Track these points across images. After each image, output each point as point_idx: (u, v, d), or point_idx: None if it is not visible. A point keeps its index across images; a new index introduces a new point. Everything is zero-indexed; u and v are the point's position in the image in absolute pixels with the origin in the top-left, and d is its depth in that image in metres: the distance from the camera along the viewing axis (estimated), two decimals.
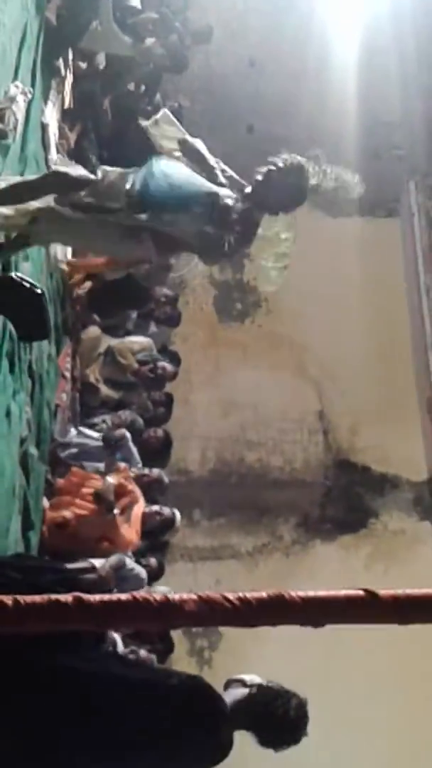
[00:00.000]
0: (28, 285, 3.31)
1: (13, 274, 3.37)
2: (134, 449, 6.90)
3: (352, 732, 8.00)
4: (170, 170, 4.22)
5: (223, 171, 4.31)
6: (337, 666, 8.13)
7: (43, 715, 2.77)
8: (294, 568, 9.34)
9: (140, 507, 6.34)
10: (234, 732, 2.93)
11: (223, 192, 4.15)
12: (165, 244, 4.12)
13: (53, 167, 4.11)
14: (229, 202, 4.13)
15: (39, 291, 3.36)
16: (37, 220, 3.89)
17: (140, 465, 7.03)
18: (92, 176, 4.11)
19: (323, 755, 6.85)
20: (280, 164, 4.20)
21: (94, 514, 5.86)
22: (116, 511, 5.91)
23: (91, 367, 7.35)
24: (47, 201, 4.09)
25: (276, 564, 9.45)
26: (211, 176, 4.27)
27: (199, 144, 4.42)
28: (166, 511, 6.87)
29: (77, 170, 4.23)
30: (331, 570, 9.13)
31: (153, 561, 6.92)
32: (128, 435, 6.74)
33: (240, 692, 2.99)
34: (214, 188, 4.16)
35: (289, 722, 2.96)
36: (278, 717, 2.95)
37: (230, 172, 4.36)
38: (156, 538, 7.01)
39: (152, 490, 7.15)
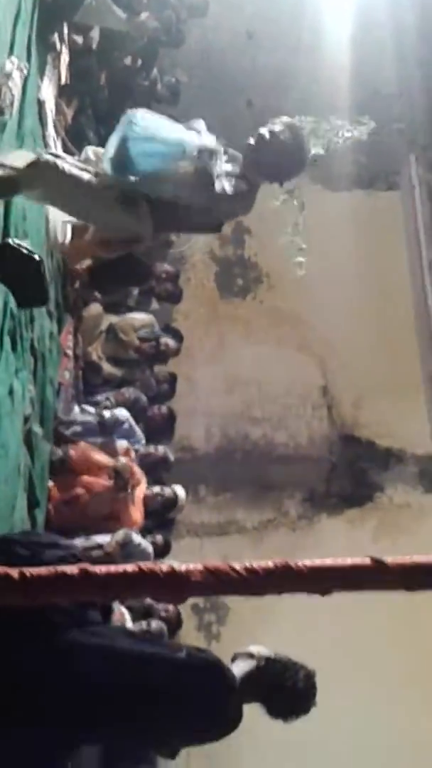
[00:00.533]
0: (25, 251, 3.29)
1: (10, 240, 3.35)
2: (137, 428, 6.91)
3: (359, 703, 8.05)
4: (147, 123, 4.11)
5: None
6: (345, 639, 8.17)
7: (50, 690, 2.78)
8: (300, 543, 9.37)
9: (142, 489, 6.38)
10: (243, 704, 2.94)
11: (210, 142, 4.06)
12: (162, 218, 4.05)
13: (43, 156, 3.93)
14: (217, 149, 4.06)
15: (36, 257, 3.34)
16: (35, 165, 3.80)
17: (144, 442, 7.04)
18: (84, 174, 3.95)
19: (331, 726, 6.91)
20: (275, 128, 4.13)
21: (106, 491, 5.88)
22: (130, 490, 5.95)
23: (93, 344, 7.34)
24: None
25: (282, 539, 9.48)
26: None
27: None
28: (167, 491, 6.89)
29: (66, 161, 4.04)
30: (337, 544, 9.16)
31: (159, 538, 6.95)
32: (126, 415, 6.75)
33: (248, 664, 3.00)
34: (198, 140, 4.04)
35: (299, 693, 2.98)
36: (287, 688, 2.97)
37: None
38: (160, 517, 7.04)
39: (158, 468, 7.17)
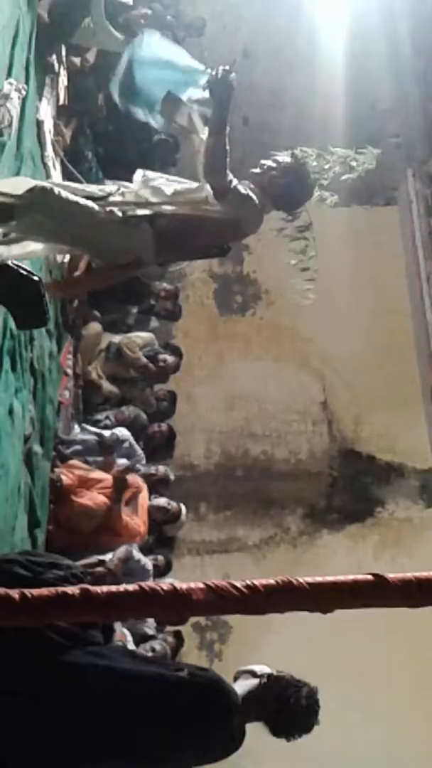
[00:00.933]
0: (24, 272, 3.29)
1: (9, 262, 3.35)
2: (137, 446, 6.91)
3: (363, 720, 8.01)
4: (154, 46, 4.01)
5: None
6: (347, 656, 8.14)
7: (51, 712, 2.77)
8: (302, 559, 9.35)
9: (144, 497, 6.36)
10: (246, 723, 2.93)
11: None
12: (166, 241, 3.89)
13: (39, 185, 3.74)
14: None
15: (36, 278, 3.33)
16: (32, 191, 3.67)
17: (144, 461, 7.04)
18: (81, 199, 3.83)
19: (335, 743, 6.87)
20: (281, 161, 4.12)
21: (99, 507, 5.86)
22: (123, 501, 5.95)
23: (93, 363, 7.35)
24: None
25: (283, 555, 9.46)
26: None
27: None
28: (174, 505, 6.90)
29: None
30: (339, 560, 9.14)
31: (161, 558, 6.96)
32: (127, 434, 6.74)
33: (250, 683, 2.99)
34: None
35: (301, 711, 2.97)
36: (290, 706, 2.96)
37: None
38: (158, 530, 7.04)
39: (159, 487, 7.18)
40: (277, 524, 9.67)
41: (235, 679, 3.03)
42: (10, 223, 3.67)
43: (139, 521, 6.13)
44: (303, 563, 9.18)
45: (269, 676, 3.00)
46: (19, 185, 3.72)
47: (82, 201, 3.75)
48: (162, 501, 6.89)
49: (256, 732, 3.01)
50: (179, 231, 3.92)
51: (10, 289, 3.34)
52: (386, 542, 9.51)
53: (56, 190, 3.71)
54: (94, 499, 5.85)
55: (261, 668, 3.04)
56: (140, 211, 3.85)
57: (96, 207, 3.76)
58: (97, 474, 6.07)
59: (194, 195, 3.98)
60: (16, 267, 3.33)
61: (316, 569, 9.30)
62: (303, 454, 10.01)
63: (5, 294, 3.43)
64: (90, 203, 3.77)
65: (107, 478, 6.00)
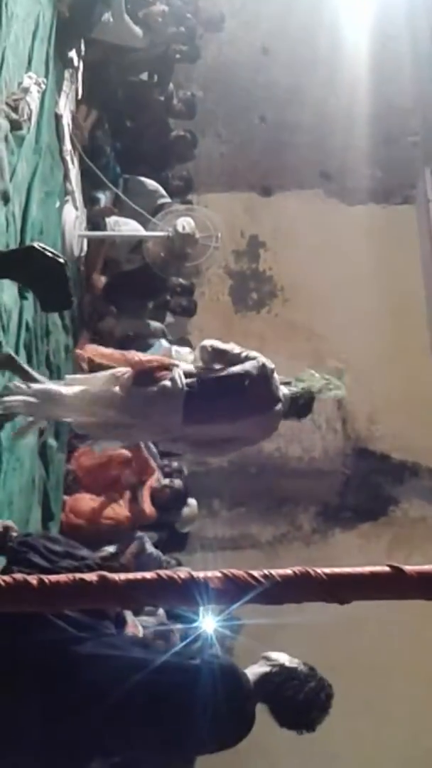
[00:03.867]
0: (50, 254, 3.29)
1: (35, 244, 3.36)
2: (152, 445, 6.92)
3: (376, 719, 7.99)
4: None
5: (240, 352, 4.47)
6: (360, 653, 8.12)
7: (64, 702, 2.78)
8: (314, 557, 9.32)
9: (152, 481, 6.37)
10: (256, 707, 2.95)
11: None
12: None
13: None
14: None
15: (62, 260, 3.34)
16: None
17: (158, 458, 7.05)
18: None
19: (347, 740, 6.88)
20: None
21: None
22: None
23: None
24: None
25: (296, 553, 9.44)
26: (236, 359, 4.46)
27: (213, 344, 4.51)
28: (177, 482, 6.90)
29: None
30: (351, 558, 9.11)
31: (173, 562, 6.98)
32: None
33: (262, 670, 3.01)
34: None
35: (298, 705, 2.96)
36: (286, 699, 2.96)
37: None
38: (169, 512, 7.02)
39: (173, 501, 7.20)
40: (290, 522, 9.65)
41: (261, 659, 3.05)
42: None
43: (146, 505, 6.15)
44: (315, 561, 9.01)
45: (280, 665, 3.01)
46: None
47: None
48: (165, 480, 6.89)
49: (272, 731, 3.01)
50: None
51: (36, 270, 3.35)
52: (399, 541, 9.48)
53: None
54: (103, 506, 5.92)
55: (277, 656, 3.05)
56: None
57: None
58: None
59: None
60: (41, 248, 3.34)
61: (329, 567, 9.25)
62: (317, 452, 9.99)
63: (31, 275, 3.44)
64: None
65: None
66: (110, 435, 4.79)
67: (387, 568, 1.57)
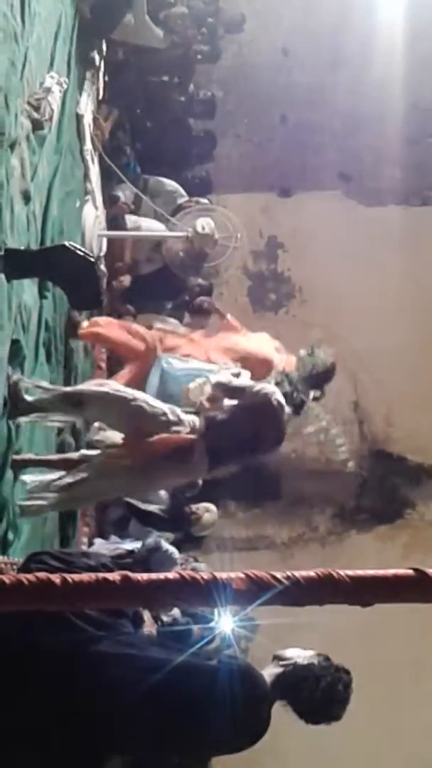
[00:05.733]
0: (81, 253, 3.31)
1: (66, 243, 3.39)
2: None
3: (391, 720, 7.98)
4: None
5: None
6: (374, 656, 8.10)
7: (81, 701, 2.79)
8: (330, 559, 9.30)
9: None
10: (272, 707, 2.94)
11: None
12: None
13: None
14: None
15: (92, 259, 3.37)
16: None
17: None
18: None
19: (363, 739, 6.86)
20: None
21: None
22: None
23: None
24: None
25: (312, 554, 9.43)
26: (249, 394, 4.45)
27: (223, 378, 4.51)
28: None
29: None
30: (367, 560, 9.08)
31: (191, 560, 6.99)
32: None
33: (277, 670, 3.00)
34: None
35: (317, 703, 2.96)
36: (303, 699, 2.96)
37: None
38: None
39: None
40: (306, 523, 9.65)
41: (273, 659, 3.04)
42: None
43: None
44: (331, 563, 8.95)
45: (293, 665, 3.00)
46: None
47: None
48: None
49: (283, 731, 3.01)
50: None
51: (67, 268, 3.38)
52: (416, 544, 9.45)
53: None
54: None
55: (291, 653, 3.04)
56: None
57: None
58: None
59: None
60: (72, 247, 3.37)
61: (345, 569, 9.23)
62: (333, 453, 9.98)
63: (61, 273, 3.47)
64: None
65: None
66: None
67: (411, 571, 1.57)
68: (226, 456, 4.39)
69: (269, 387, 4.47)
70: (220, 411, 4.37)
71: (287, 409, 4.51)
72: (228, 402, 4.40)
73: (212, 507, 7.29)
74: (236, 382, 4.48)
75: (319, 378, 5.01)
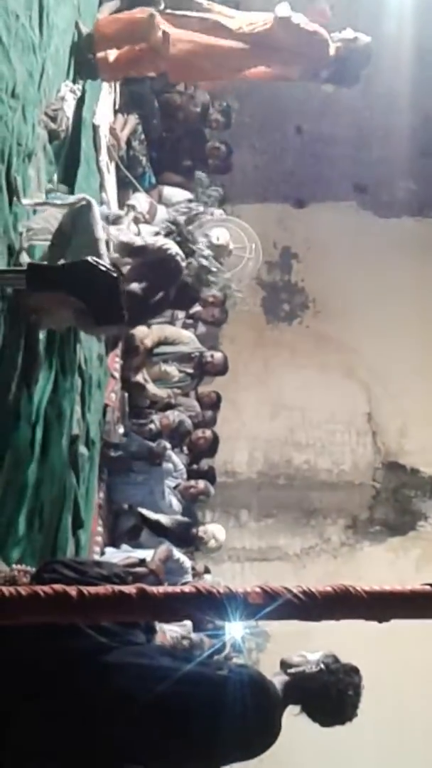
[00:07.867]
0: (104, 268, 3.31)
1: (89, 258, 3.38)
2: (178, 460, 6.98)
3: (400, 729, 7.94)
4: None
5: None
6: (384, 670, 8.06)
7: (93, 713, 2.78)
8: (342, 570, 9.29)
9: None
10: (283, 714, 2.93)
11: None
12: None
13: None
14: None
15: (115, 274, 3.36)
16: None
17: (185, 475, 7.09)
18: None
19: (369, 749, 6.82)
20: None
21: None
22: None
23: (139, 366, 7.36)
24: None
25: (324, 566, 9.41)
26: None
27: None
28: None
29: None
30: (380, 572, 9.06)
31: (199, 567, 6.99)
32: (167, 447, 6.84)
33: (285, 678, 2.99)
34: None
35: (329, 709, 2.96)
36: (315, 707, 2.96)
37: None
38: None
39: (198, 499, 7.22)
40: (318, 534, 9.62)
41: (282, 665, 3.03)
42: None
43: None
44: (343, 574, 9.11)
45: (302, 672, 2.99)
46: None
47: None
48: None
49: (291, 738, 3.00)
50: None
51: (90, 284, 3.37)
52: (428, 556, 9.42)
53: None
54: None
55: (298, 660, 3.02)
56: None
57: None
58: None
59: None
60: (95, 263, 3.36)
61: (357, 581, 9.13)
62: (346, 464, 9.96)
63: (84, 289, 3.45)
64: None
65: None
66: None
67: (428, 587, 1.55)
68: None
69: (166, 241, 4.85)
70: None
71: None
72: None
73: (220, 532, 7.29)
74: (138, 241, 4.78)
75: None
